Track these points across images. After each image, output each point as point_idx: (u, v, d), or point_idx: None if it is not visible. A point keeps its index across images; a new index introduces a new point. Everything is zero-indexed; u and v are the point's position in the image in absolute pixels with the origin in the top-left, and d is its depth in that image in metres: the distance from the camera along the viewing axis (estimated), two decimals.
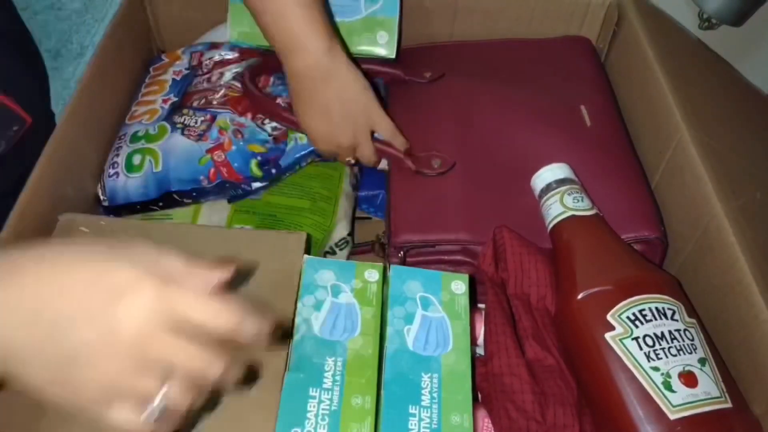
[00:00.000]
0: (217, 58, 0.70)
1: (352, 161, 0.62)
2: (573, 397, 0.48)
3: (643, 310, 0.47)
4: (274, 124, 0.64)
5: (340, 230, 0.64)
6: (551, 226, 0.53)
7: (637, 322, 0.46)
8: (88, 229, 0.52)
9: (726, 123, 0.60)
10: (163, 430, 0.35)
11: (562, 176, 0.54)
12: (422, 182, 0.60)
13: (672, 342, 0.45)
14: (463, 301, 0.49)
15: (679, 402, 0.43)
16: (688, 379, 0.44)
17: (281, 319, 0.46)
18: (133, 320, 0.33)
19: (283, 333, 0.44)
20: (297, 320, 0.47)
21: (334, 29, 0.58)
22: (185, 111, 0.65)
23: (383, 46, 0.66)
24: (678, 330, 0.46)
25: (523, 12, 0.73)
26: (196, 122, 0.63)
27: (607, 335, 0.46)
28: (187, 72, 0.70)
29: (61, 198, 0.55)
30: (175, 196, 0.62)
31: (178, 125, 0.63)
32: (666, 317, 0.46)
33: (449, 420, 0.43)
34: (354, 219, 0.68)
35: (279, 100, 0.65)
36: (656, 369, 0.44)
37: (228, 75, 0.68)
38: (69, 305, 0.33)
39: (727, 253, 0.48)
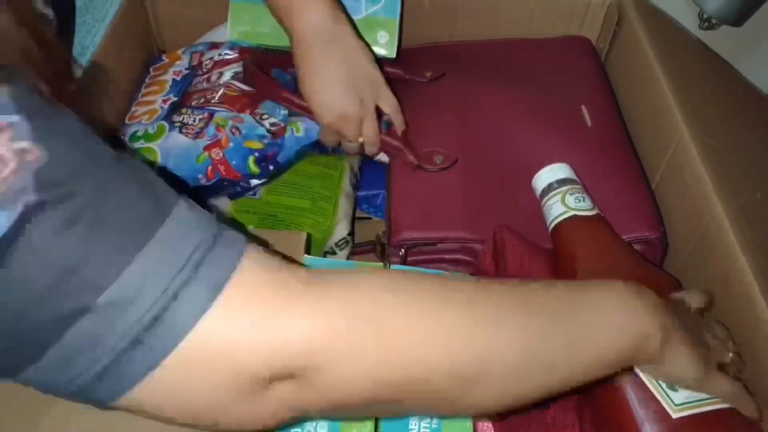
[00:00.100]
0: (216, 58, 0.70)
1: (356, 144, 0.60)
2: (572, 398, 0.48)
3: None
4: (273, 119, 0.64)
5: (341, 230, 0.64)
6: (552, 225, 0.53)
7: None
8: None
9: (726, 123, 0.60)
10: None
11: (563, 176, 0.54)
12: (423, 180, 0.60)
13: None
14: None
15: (681, 401, 0.43)
16: None
17: None
18: None
19: None
20: None
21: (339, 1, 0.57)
22: (184, 110, 0.65)
23: (384, 46, 0.66)
24: None
25: (524, 12, 0.73)
26: (194, 120, 0.63)
27: None
28: (187, 72, 0.70)
29: None
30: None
31: (177, 124, 0.63)
32: None
33: (449, 420, 0.43)
34: (354, 219, 0.68)
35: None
36: None
37: (227, 75, 0.68)
38: None
39: (728, 253, 0.48)
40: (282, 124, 0.64)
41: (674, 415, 0.42)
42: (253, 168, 0.62)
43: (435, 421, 0.43)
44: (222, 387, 0.30)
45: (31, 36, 0.31)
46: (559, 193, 0.53)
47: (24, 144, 0.27)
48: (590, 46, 0.73)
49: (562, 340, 0.36)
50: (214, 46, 0.72)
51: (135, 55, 0.72)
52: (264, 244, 0.34)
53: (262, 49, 0.67)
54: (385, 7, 0.66)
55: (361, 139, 0.60)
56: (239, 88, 0.66)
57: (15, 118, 0.27)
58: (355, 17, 0.65)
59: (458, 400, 0.35)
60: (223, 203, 0.64)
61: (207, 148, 0.61)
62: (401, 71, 0.67)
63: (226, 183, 0.62)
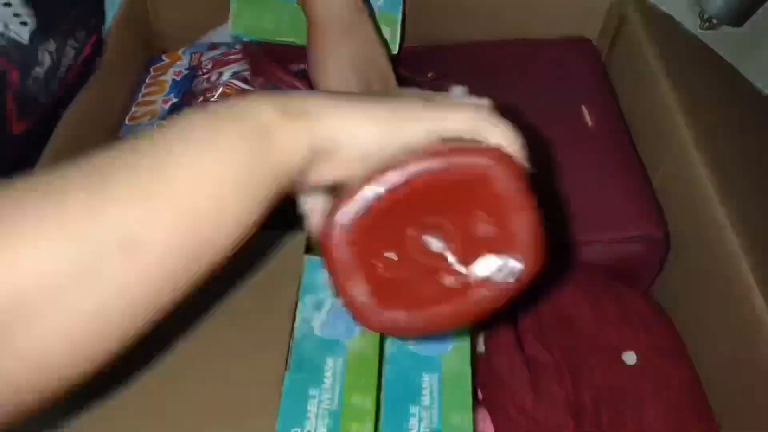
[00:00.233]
0: (217, 57, 0.70)
1: None
2: (568, 397, 0.48)
3: None
4: None
5: None
6: None
7: None
8: None
9: (726, 123, 0.60)
10: None
11: None
12: None
13: None
14: None
15: None
16: None
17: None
18: None
19: None
20: (297, 320, 0.47)
21: None
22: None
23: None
24: None
25: (524, 12, 0.73)
26: None
27: None
28: (187, 72, 0.70)
29: None
30: None
31: None
32: None
33: (449, 420, 0.43)
34: None
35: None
36: None
37: (227, 74, 0.68)
38: None
39: (727, 253, 0.48)
40: None
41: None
42: None
43: (435, 421, 0.43)
44: None
45: None
46: None
47: None
48: (591, 47, 0.73)
49: (131, 200, 0.26)
50: (214, 46, 0.72)
51: (135, 55, 0.72)
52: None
53: (264, 44, 0.67)
54: (387, 2, 0.66)
55: None
56: (239, 87, 0.66)
57: None
58: None
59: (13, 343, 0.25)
60: None
61: None
62: (403, 71, 0.67)
63: None
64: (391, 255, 0.32)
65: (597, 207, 0.57)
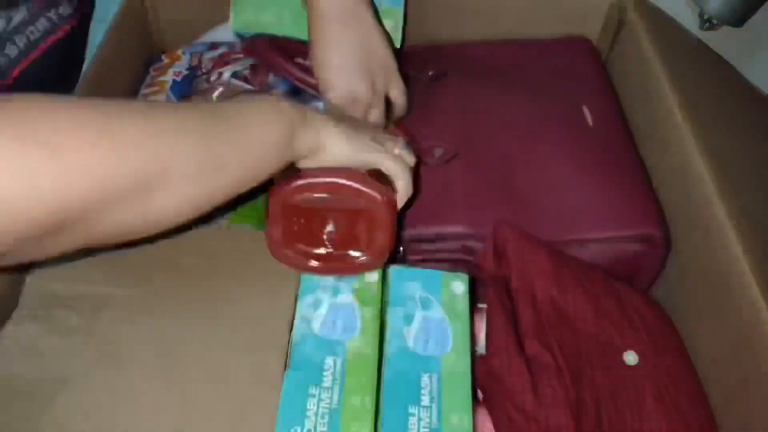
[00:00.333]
0: (217, 57, 0.70)
1: None
2: (568, 397, 0.48)
3: None
4: None
5: None
6: None
7: None
8: None
9: (726, 123, 0.60)
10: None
11: None
12: (423, 177, 0.60)
13: None
14: (463, 301, 0.49)
15: None
16: None
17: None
18: None
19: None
20: (297, 319, 0.47)
21: None
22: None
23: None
24: None
25: (524, 12, 0.73)
26: None
27: None
28: (187, 72, 0.70)
29: None
30: None
31: None
32: None
33: (449, 420, 0.43)
34: None
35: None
36: None
37: (227, 74, 0.68)
38: None
39: (727, 253, 0.48)
40: None
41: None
42: None
43: (435, 420, 0.43)
44: None
45: None
46: None
47: None
48: (591, 47, 0.73)
49: (229, 142, 0.42)
50: (214, 46, 0.72)
51: (135, 55, 0.72)
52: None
53: (265, 38, 0.67)
54: (388, 3, 0.66)
55: None
56: (239, 87, 0.66)
57: None
58: None
59: (145, 209, 0.39)
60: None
61: None
62: (403, 69, 0.67)
63: None
64: (303, 220, 0.50)
65: (597, 207, 0.57)
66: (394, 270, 0.51)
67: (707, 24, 0.58)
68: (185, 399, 0.43)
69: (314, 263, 0.50)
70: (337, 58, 0.56)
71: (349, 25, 0.55)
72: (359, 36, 0.56)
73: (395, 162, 0.50)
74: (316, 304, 0.48)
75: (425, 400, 0.44)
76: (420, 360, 0.46)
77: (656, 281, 0.59)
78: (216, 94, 0.66)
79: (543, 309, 0.52)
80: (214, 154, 0.41)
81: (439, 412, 0.43)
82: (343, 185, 0.48)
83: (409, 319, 0.48)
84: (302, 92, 0.63)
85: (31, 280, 0.48)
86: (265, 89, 0.66)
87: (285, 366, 0.45)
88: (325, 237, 0.50)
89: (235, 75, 0.68)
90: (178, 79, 0.70)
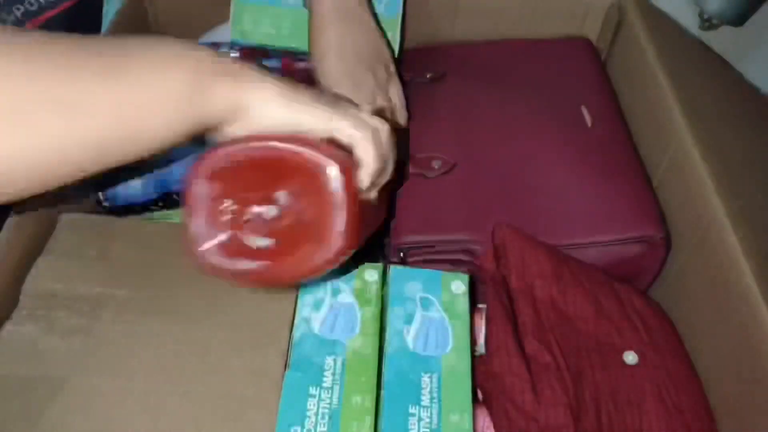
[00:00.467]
0: None
1: None
2: (568, 397, 0.48)
3: None
4: None
5: None
6: None
7: None
8: (87, 229, 0.52)
9: (726, 123, 0.60)
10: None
11: None
12: (422, 183, 0.60)
13: None
14: (463, 301, 0.49)
15: None
16: None
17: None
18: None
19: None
20: (297, 319, 0.47)
21: None
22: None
23: None
24: None
25: (524, 12, 0.73)
26: None
27: None
28: None
29: (62, 199, 0.55)
30: (175, 196, 0.62)
31: None
32: None
33: (449, 420, 0.43)
34: None
35: None
36: None
37: None
38: None
39: (727, 253, 0.48)
40: None
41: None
42: None
43: (435, 420, 0.43)
44: None
45: None
46: None
47: None
48: (590, 47, 0.73)
49: (103, 80, 0.35)
50: (215, 45, 0.71)
51: None
52: None
53: (262, 51, 0.67)
54: (387, 7, 0.66)
55: None
56: None
57: None
58: None
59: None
60: None
61: None
62: (402, 72, 0.67)
63: None
64: (232, 206, 0.39)
65: (597, 207, 0.57)
66: (394, 270, 0.50)
67: (707, 24, 0.58)
68: (185, 399, 0.43)
69: (248, 265, 0.40)
70: (340, 58, 0.55)
71: (350, 26, 0.55)
72: (359, 36, 0.56)
73: (357, 126, 0.40)
74: (316, 304, 0.48)
75: (425, 400, 0.44)
76: (420, 360, 0.46)
77: (656, 281, 0.59)
78: None
79: (543, 309, 0.52)
80: (79, 91, 0.34)
81: (439, 412, 0.43)
82: (281, 152, 0.37)
83: (409, 319, 0.48)
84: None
85: (31, 280, 0.48)
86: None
87: (285, 366, 0.45)
88: (262, 227, 0.39)
89: None
90: None
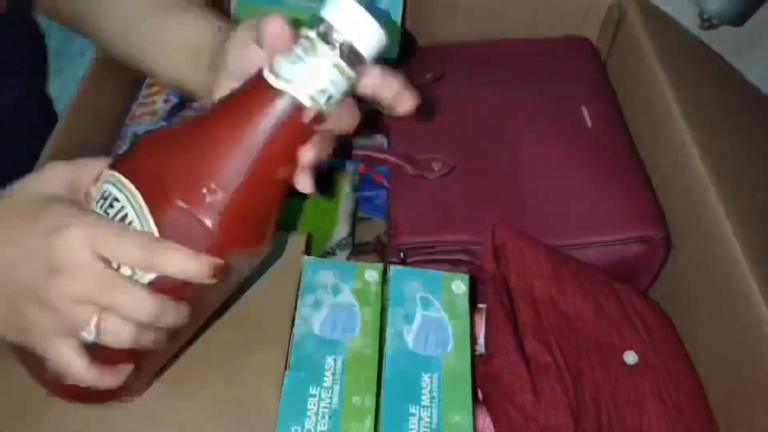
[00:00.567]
0: None
1: None
2: (568, 397, 0.48)
3: None
4: None
5: (341, 231, 0.64)
6: None
7: None
8: None
9: (726, 123, 0.60)
10: (106, 380, 0.37)
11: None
12: (422, 183, 0.60)
13: None
14: (463, 301, 0.49)
15: None
16: None
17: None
18: (66, 250, 0.34)
19: None
20: (297, 319, 0.47)
21: None
22: (185, 111, 0.65)
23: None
24: None
25: (524, 12, 0.73)
26: None
27: None
28: None
29: None
30: None
31: None
32: None
33: (449, 420, 0.43)
34: (355, 219, 0.68)
35: None
36: None
37: None
38: (12, 251, 0.36)
39: (728, 254, 0.48)
40: None
41: None
42: None
43: (435, 420, 0.43)
44: None
45: None
46: None
47: None
48: (590, 47, 0.73)
49: None
50: None
51: None
52: None
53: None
54: (386, 6, 0.66)
55: None
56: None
57: None
58: None
59: None
60: None
61: None
62: (402, 72, 0.67)
63: None
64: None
65: (597, 207, 0.57)
66: (394, 270, 0.51)
67: (707, 23, 0.58)
68: (185, 399, 0.43)
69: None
70: None
71: None
72: None
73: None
74: (317, 304, 0.48)
75: (425, 399, 0.44)
76: (420, 360, 0.46)
77: (656, 281, 0.59)
78: None
79: (542, 309, 0.52)
80: None
81: (439, 412, 0.43)
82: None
83: (409, 319, 0.48)
84: None
85: None
86: None
87: (285, 366, 0.45)
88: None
89: None
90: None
